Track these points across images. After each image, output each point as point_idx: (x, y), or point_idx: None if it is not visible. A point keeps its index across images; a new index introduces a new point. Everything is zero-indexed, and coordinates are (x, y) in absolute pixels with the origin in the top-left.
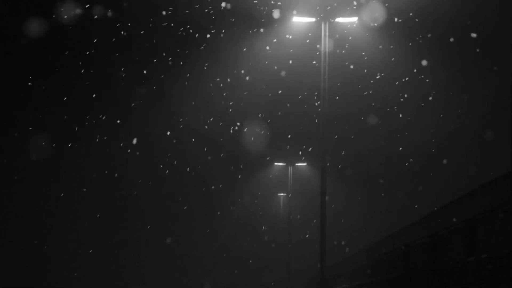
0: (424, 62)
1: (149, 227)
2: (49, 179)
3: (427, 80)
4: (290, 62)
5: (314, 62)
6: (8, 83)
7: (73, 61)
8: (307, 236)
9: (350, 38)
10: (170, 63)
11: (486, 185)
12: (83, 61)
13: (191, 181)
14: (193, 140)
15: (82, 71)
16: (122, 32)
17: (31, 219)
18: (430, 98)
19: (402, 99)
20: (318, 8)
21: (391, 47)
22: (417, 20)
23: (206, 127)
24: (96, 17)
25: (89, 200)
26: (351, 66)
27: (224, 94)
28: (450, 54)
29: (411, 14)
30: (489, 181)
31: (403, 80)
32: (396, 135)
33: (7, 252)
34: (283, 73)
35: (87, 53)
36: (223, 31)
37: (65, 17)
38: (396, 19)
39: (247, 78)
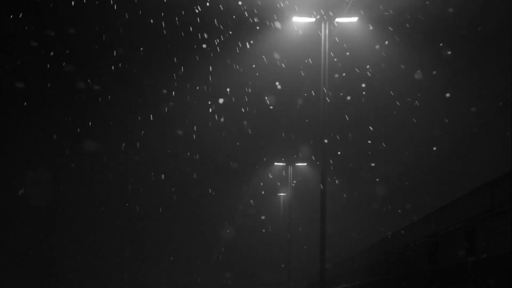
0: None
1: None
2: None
3: (427, 80)
4: (290, 61)
5: (309, 61)
6: (8, 83)
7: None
8: (307, 236)
9: (351, 37)
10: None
11: (486, 185)
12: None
13: (192, 181)
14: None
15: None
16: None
17: (32, 219)
18: (431, 98)
19: (401, 99)
20: (318, 8)
21: (391, 44)
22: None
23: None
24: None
25: (91, 201)
26: (352, 65)
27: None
28: (450, 52)
29: (410, 12)
30: (489, 181)
31: (403, 79)
32: (397, 135)
33: (8, 252)
34: (283, 72)
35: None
36: (224, 31)
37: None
38: (391, 12)
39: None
